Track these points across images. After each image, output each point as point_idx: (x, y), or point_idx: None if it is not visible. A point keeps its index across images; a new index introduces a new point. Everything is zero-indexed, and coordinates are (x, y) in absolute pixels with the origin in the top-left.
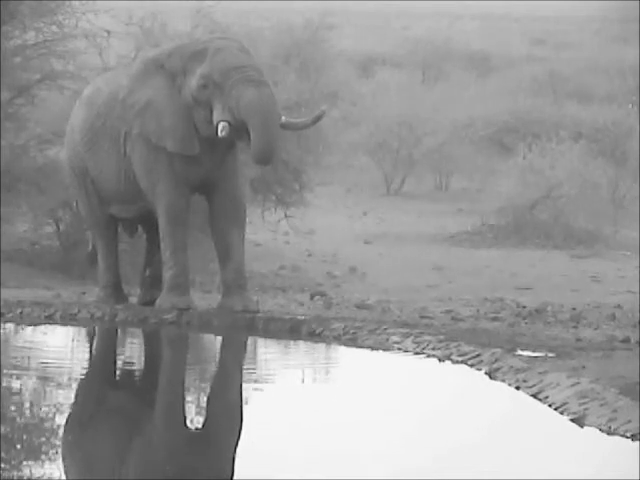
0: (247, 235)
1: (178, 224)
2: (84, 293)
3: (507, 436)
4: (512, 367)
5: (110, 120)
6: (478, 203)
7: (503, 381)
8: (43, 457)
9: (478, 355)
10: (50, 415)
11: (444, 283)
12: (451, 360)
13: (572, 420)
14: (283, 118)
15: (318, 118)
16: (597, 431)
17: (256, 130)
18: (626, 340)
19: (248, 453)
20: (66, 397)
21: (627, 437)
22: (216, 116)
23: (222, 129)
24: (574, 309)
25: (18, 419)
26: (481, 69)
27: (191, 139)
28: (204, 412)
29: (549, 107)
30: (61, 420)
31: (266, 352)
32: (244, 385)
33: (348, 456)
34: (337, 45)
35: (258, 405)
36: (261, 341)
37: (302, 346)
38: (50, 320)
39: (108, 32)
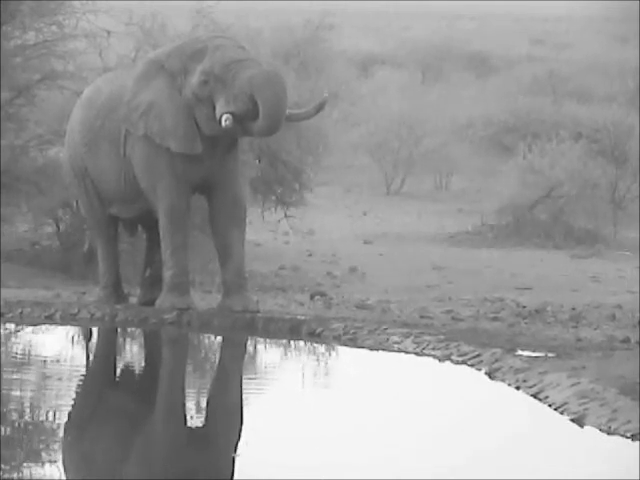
0: (247, 235)
1: (178, 224)
2: (84, 293)
3: (507, 436)
4: (512, 367)
5: (110, 121)
6: (478, 203)
7: (503, 381)
8: (43, 457)
9: (478, 355)
10: (50, 415)
11: (444, 283)
12: (451, 360)
13: (572, 420)
14: (286, 110)
15: (321, 106)
16: (597, 431)
17: (264, 96)
18: (626, 340)
19: (248, 453)
20: (66, 397)
21: (627, 437)
22: (219, 109)
23: (226, 119)
24: (574, 309)
25: (18, 419)
26: (481, 69)
27: (194, 138)
28: (204, 412)
29: (549, 107)
30: (61, 420)
31: (266, 352)
32: (244, 385)
33: (348, 456)
34: (337, 45)
35: (258, 405)
36: (261, 341)
37: (302, 346)
38: (50, 320)
39: (108, 32)
